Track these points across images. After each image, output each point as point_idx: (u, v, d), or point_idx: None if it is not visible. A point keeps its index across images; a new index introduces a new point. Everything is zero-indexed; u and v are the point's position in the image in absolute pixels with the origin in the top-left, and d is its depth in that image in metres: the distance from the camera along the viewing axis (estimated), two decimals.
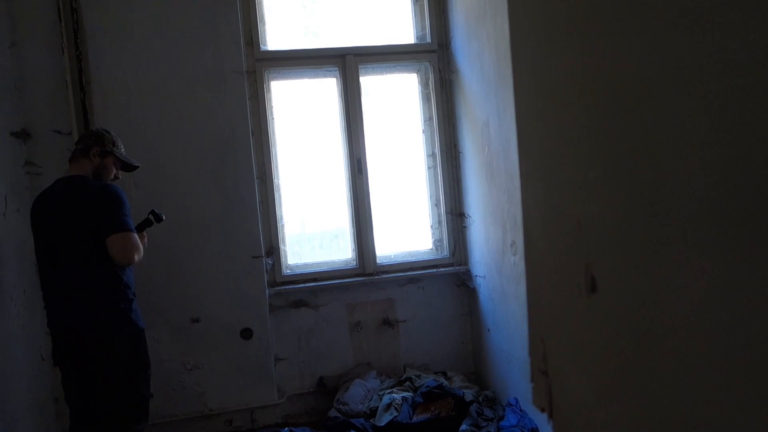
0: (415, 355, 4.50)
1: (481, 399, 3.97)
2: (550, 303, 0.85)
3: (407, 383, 4.17)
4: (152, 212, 3.19)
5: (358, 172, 4.37)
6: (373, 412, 3.91)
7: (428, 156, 4.59)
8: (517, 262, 3.61)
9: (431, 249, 4.63)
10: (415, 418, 3.68)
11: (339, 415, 3.99)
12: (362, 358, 4.42)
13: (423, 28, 4.51)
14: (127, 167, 3.14)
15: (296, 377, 4.32)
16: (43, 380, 3.61)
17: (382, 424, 3.75)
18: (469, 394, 3.91)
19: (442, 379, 4.21)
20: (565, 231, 0.77)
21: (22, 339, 3.35)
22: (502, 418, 3.75)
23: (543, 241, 0.85)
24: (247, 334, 4.06)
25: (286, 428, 3.54)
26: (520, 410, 3.74)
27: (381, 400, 3.96)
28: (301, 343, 4.33)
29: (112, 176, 3.03)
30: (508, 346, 3.91)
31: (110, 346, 2.82)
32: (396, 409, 3.81)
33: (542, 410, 0.91)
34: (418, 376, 4.23)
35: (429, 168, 4.59)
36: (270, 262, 4.22)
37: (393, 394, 3.97)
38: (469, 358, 4.59)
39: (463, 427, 3.55)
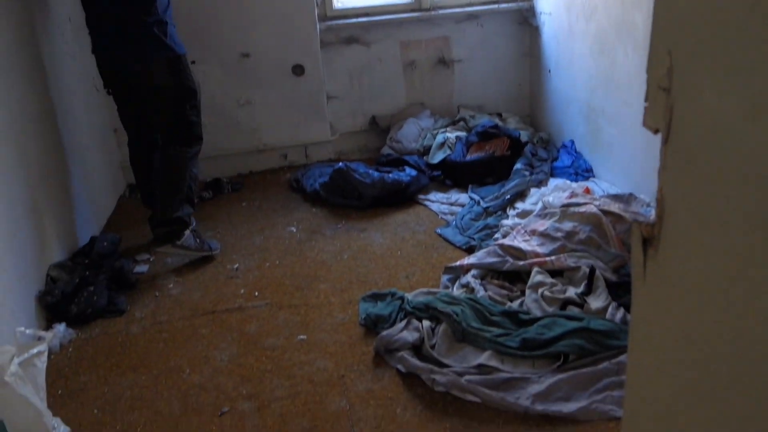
0: (469, 96, 4.38)
1: (535, 140, 3.93)
2: (688, 6, 0.71)
3: (461, 123, 4.13)
4: None
5: None
6: (426, 150, 3.93)
7: None
8: None
9: None
10: (468, 157, 3.69)
11: (392, 152, 4.02)
12: (415, 98, 4.32)
13: None
14: None
15: (348, 116, 4.30)
16: (101, 112, 3.66)
17: (436, 161, 3.78)
18: (524, 135, 3.86)
19: (497, 120, 4.14)
20: None
21: (75, 69, 3.32)
22: (556, 159, 3.74)
23: None
24: (298, 70, 3.96)
25: (341, 162, 3.60)
26: (575, 152, 3.71)
27: (434, 138, 3.95)
28: (353, 81, 4.22)
29: None
30: (568, 87, 3.75)
31: (148, 70, 2.80)
32: (450, 147, 3.81)
33: (655, 131, 0.81)
34: (473, 117, 4.16)
35: None
36: None
37: (447, 133, 3.95)
38: (525, 100, 4.45)
39: (518, 165, 3.55)
